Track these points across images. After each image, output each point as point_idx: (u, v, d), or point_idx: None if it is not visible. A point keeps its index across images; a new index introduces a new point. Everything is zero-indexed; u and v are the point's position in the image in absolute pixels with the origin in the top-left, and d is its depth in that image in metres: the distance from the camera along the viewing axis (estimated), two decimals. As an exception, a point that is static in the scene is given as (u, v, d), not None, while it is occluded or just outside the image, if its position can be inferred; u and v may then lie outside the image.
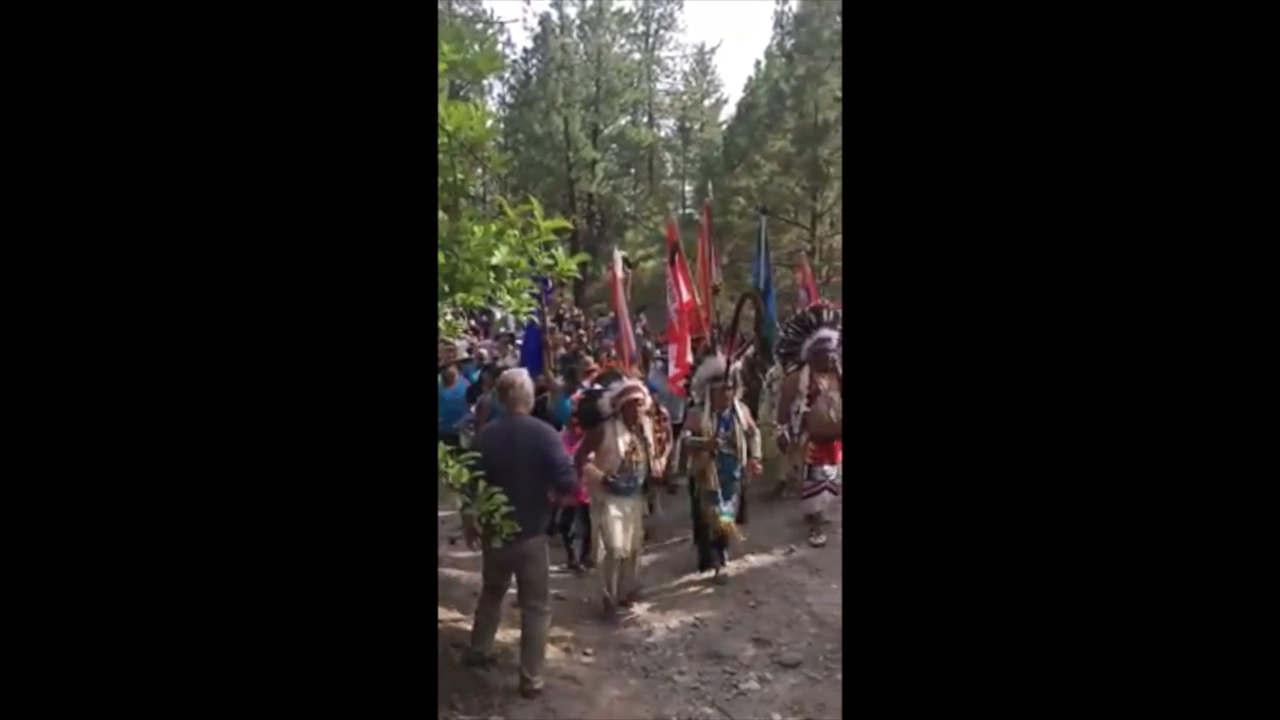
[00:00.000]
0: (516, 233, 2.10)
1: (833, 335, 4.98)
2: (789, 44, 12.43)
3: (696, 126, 20.10)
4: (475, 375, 6.46)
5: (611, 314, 5.80)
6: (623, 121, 19.72)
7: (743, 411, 4.72)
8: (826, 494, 4.98)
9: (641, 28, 20.12)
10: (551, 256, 2.10)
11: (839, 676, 3.50)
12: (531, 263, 2.07)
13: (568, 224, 2.29)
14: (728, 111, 18.57)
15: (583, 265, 5.44)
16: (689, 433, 4.65)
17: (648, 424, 4.34)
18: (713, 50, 20.74)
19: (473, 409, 5.77)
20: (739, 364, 5.05)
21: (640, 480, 4.23)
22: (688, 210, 18.85)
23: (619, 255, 6.21)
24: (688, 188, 19.52)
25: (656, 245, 18.55)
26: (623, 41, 19.93)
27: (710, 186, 10.10)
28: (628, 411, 4.19)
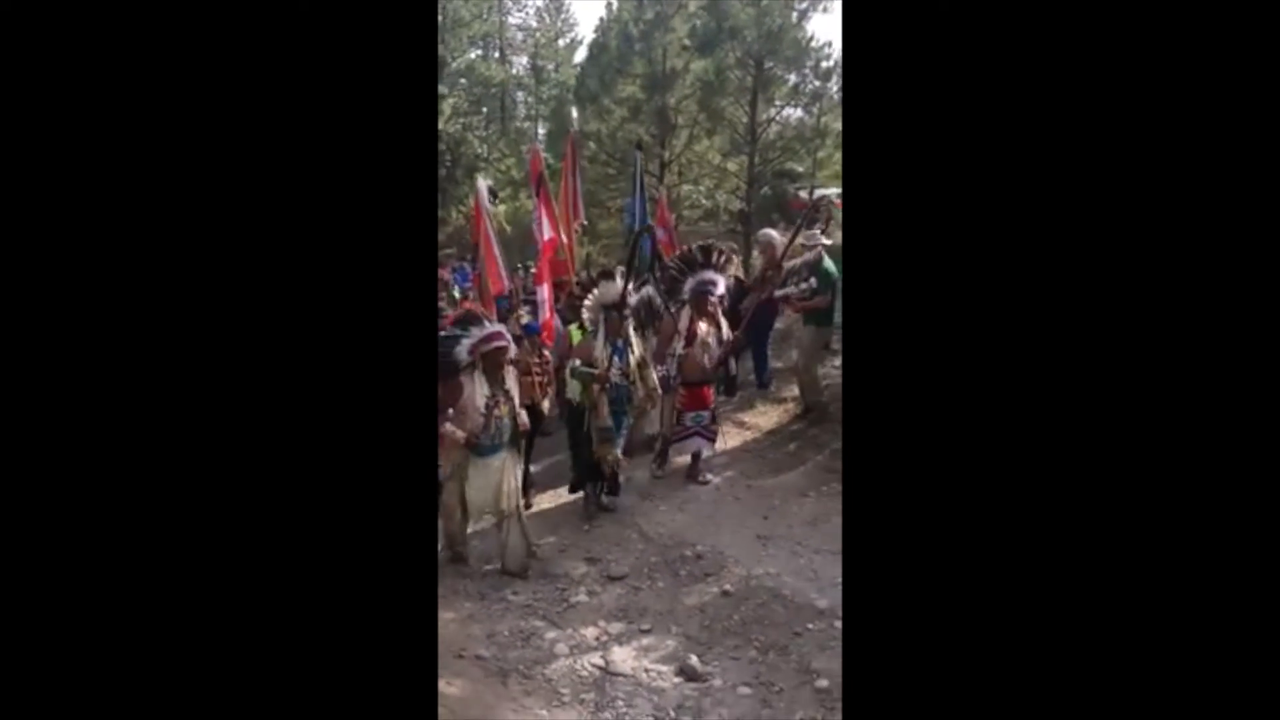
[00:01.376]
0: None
1: (718, 279, 4.77)
2: (639, -13, 12.44)
3: (550, 66, 19.57)
4: None
5: (469, 255, 5.60)
6: (471, 55, 18.80)
7: (636, 341, 4.54)
8: (698, 439, 4.88)
9: (491, -45, 19.08)
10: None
11: (661, 584, 3.85)
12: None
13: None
14: (583, 53, 18.25)
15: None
16: (578, 361, 4.42)
17: (510, 375, 3.98)
18: (567, -14, 20.13)
19: None
20: (639, 294, 4.75)
21: (506, 436, 3.87)
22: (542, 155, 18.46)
23: (483, 184, 5.84)
24: (540, 130, 19.08)
25: (508, 189, 18.08)
26: (472, -32, 18.83)
27: (575, 116, 9.99)
28: (488, 361, 3.78)
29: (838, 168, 9.89)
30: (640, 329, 4.73)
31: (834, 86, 12.04)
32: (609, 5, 14.47)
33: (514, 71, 20.07)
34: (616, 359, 4.41)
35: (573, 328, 5.08)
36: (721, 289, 4.81)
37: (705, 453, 5.00)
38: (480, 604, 3.67)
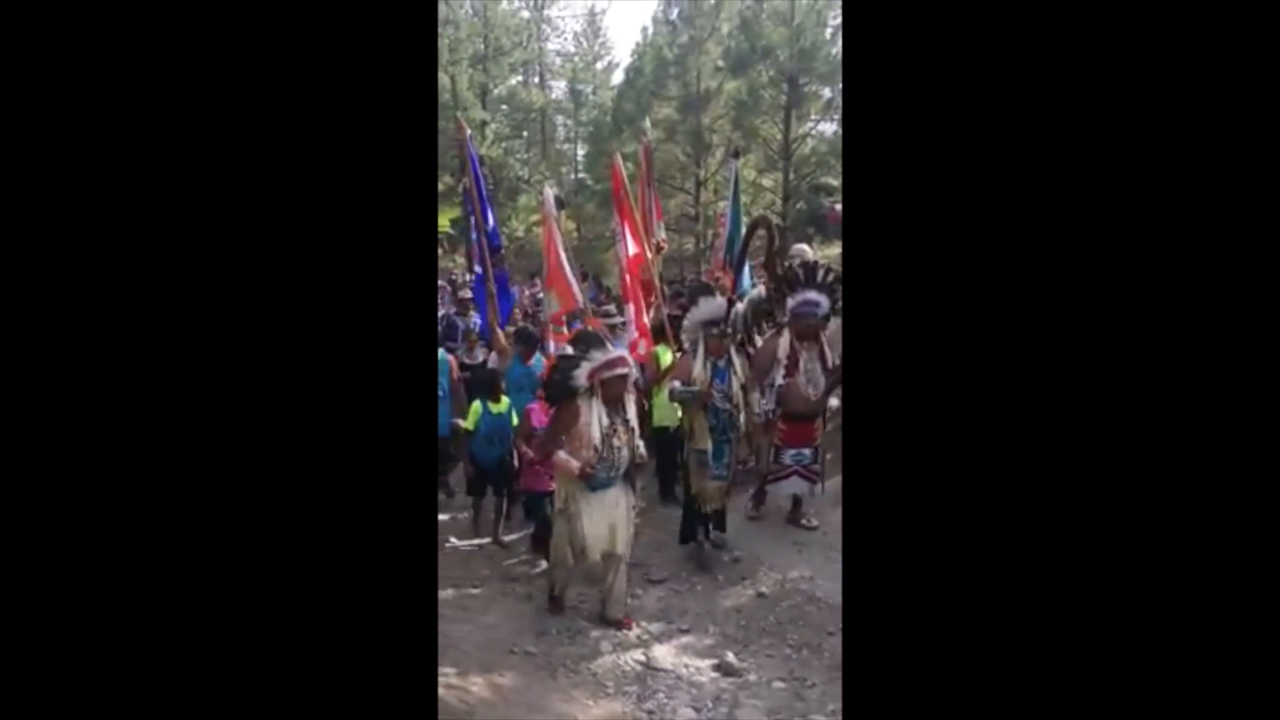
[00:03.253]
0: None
1: (822, 300, 4.17)
2: (673, 12, 12.78)
3: (589, 90, 20.08)
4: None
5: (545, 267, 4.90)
6: (513, 81, 19.39)
7: (740, 361, 4.16)
8: (798, 479, 4.41)
9: (530, -15, 19.74)
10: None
11: (699, 588, 4.03)
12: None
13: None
14: (619, 76, 18.72)
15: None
16: (678, 383, 4.07)
17: (630, 402, 3.61)
18: (603, 11, 20.72)
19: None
20: (742, 305, 4.39)
21: (623, 469, 3.53)
22: (579, 175, 18.92)
23: (550, 192, 5.37)
24: (580, 152, 19.56)
25: (549, 209, 18.48)
26: (511, -2, 19.48)
27: (649, 125, 9.48)
28: (609, 390, 3.44)
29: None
30: (748, 337, 4.37)
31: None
32: (644, 30, 14.89)
33: (553, 96, 20.63)
34: (718, 380, 4.05)
35: (660, 349, 4.82)
36: (825, 309, 4.19)
37: (807, 495, 4.52)
38: (529, 605, 3.89)
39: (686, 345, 4.29)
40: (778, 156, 11.91)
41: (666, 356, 4.72)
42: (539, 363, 4.87)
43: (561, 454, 3.42)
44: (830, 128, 12.87)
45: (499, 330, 5.23)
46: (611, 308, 5.72)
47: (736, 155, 6.78)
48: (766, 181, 12.61)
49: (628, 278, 5.22)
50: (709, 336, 4.06)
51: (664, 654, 3.41)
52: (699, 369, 4.06)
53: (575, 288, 5.10)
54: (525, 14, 19.58)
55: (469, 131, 5.63)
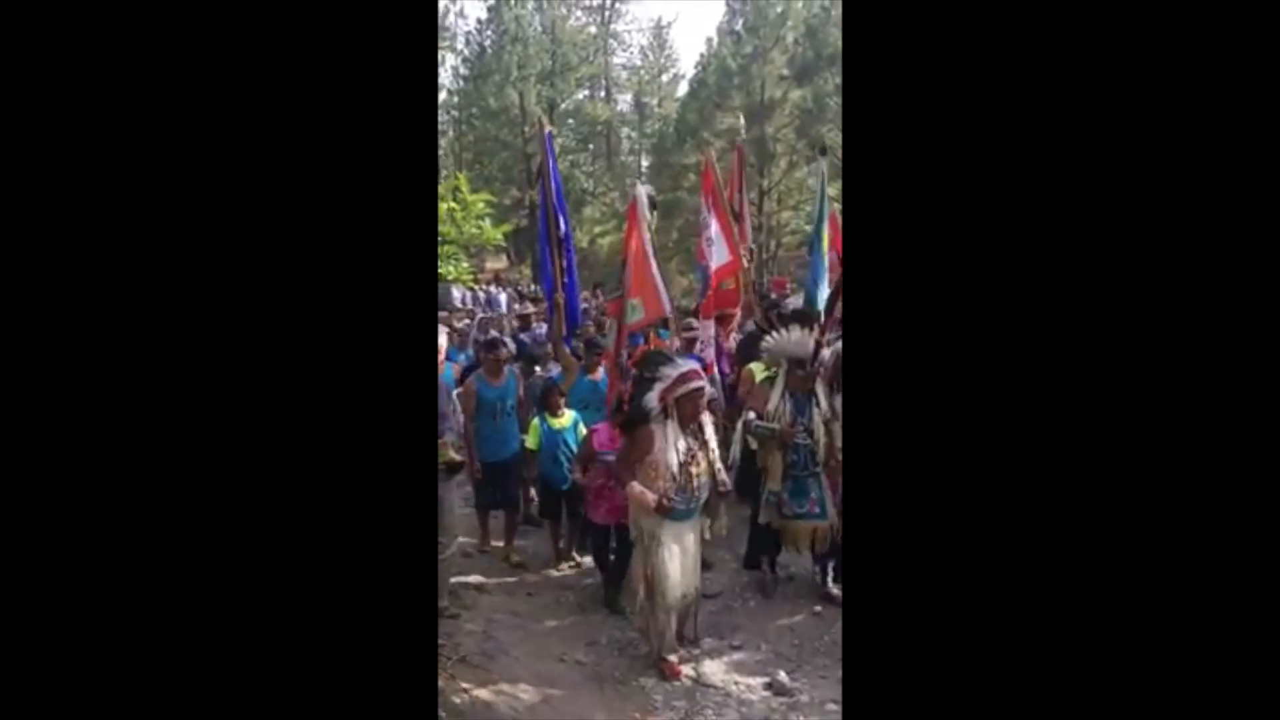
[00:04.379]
0: (452, 204, 2.39)
1: None
2: (738, 23, 12.75)
3: (654, 102, 20.27)
4: (460, 357, 5.71)
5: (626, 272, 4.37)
6: (579, 96, 19.75)
7: (823, 392, 3.73)
8: None
9: (597, 0, 20.10)
10: (479, 227, 2.39)
11: (752, 604, 3.97)
12: (460, 232, 2.37)
13: (491, 195, 2.60)
14: (685, 87, 18.81)
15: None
16: (753, 415, 3.71)
17: (708, 422, 3.28)
18: (669, 24, 20.87)
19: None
20: (828, 355, 3.75)
21: (704, 499, 3.23)
22: (644, 186, 19.01)
23: (643, 190, 4.68)
24: (644, 163, 19.73)
25: (613, 221, 18.72)
26: (578, 14, 19.92)
27: (743, 122, 9.16)
28: (683, 408, 3.13)
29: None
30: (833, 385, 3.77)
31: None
32: (709, 41, 14.90)
33: (618, 109, 20.89)
34: (800, 417, 3.68)
35: (755, 366, 4.32)
36: None
37: None
38: (581, 615, 3.91)
39: (768, 369, 4.00)
40: (843, 165, 11.70)
41: (760, 373, 4.23)
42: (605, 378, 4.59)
43: (636, 485, 3.10)
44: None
45: (563, 344, 4.90)
46: (693, 320, 5.08)
47: (824, 153, 6.08)
48: (831, 190, 12.41)
49: (714, 287, 4.67)
50: (792, 374, 3.75)
51: (714, 670, 3.36)
52: (775, 401, 3.73)
53: (664, 295, 4.48)
54: (592, 29, 19.95)
55: (550, 128, 5.29)
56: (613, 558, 3.86)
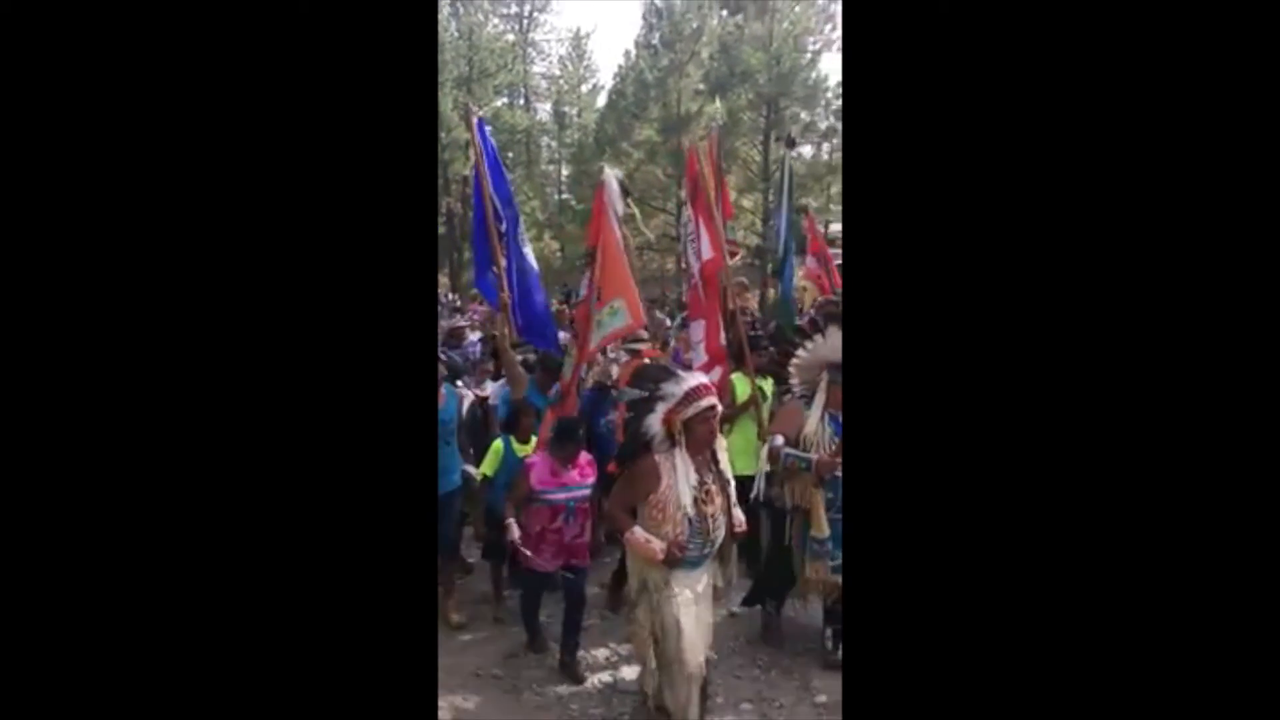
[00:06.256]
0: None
1: None
2: (654, 37, 12.98)
3: (574, 111, 20.31)
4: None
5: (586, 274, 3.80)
6: (498, 103, 19.58)
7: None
8: None
9: (515, 8, 20.01)
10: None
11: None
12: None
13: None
14: (604, 98, 18.95)
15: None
16: (780, 439, 3.05)
17: (721, 449, 2.71)
18: (588, 35, 20.98)
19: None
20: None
21: (719, 543, 2.63)
22: (564, 195, 19.06)
23: (611, 175, 4.09)
24: (564, 172, 19.73)
25: (533, 230, 18.61)
26: (495, 21, 19.76)
27: (719, 106, 8.73)
28: (693, 431, 2.54)
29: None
30: None
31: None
32: (627, 53, 15.08)
33: (538, 118, 20.82)
34: (840, 439, 3.01)
35: (736, 377, 3.88)
36: None
37: None
38: (497, 627, 3.85)
39: (797, 388, 3.26)
40: (757, 178, 12.06)
41: (743, 387, 3.83)
42: (535, 394, 3.98)
43: (639, 532, 2.53)
44: (808, 150, 13.07)
45: (509, 350, 4.05)
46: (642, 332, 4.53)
47: (791, 145, 5.55)
48: (746, 202, 12.77)
49: (700, 288, 4.09)
50: (834, 383, 3.02)
51: (632, 675, 3.38)
52: (813, 424, 3.04)
53: (639, 300, 3.86)
54: (510, 37, 19.83)
55: (479, 112, 4.64)
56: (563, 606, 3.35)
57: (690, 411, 2.53)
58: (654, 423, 2.56)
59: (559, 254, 18.34)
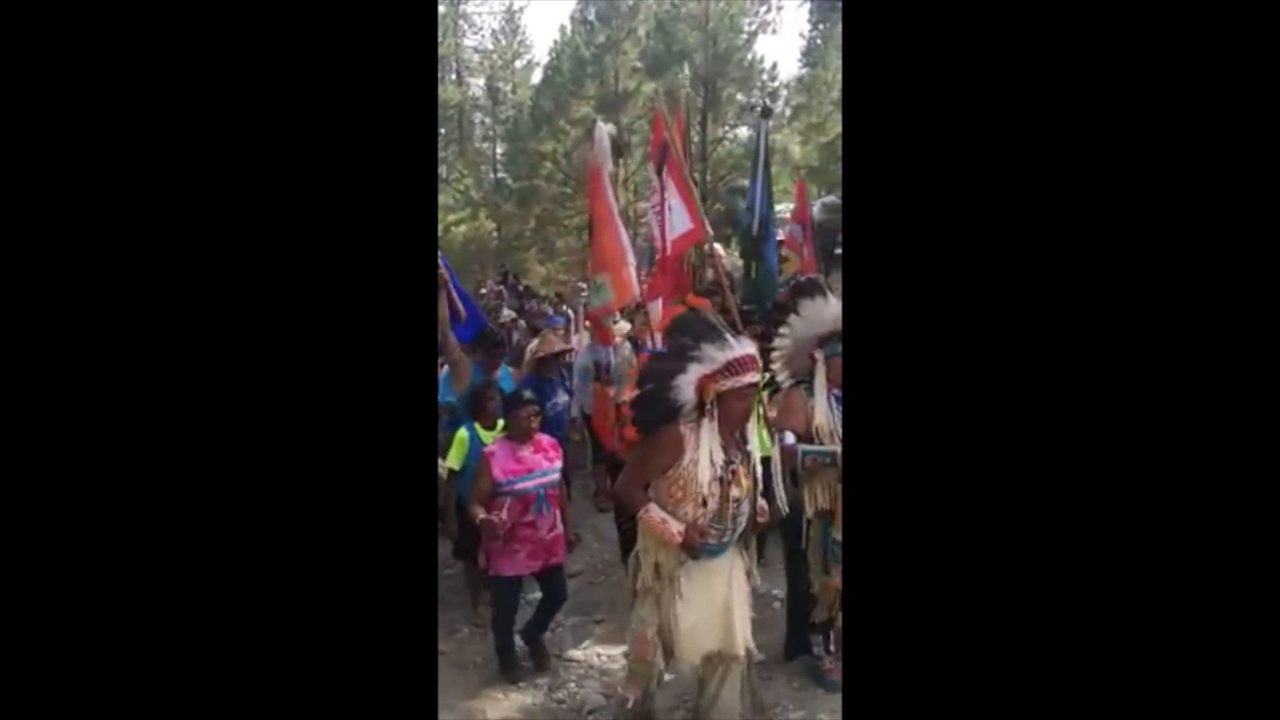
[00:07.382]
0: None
1: None
2: (590, 12, 12.81)
3: (508, 88, 19.88)
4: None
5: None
6: (429, 77, 18.96)
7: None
8: None
9: (445, -20, 19.35)
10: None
11: (614, 580, 4.06)
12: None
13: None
14: (539, 74, 18.64)
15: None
16: (791, 437, 2.59)
17: (753, 428, 2.43)
18: (521, 9, 20.52)
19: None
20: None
21: (740, 530, 2.36)
22: (499, 174, 18.69)
23: (603, 129, 3.76)
24: (499, 149, 19.33)
25: (467, 210, 18.22)
26: (426, -8, 19.04)
27: (687, 74, 8.26)
28: (729, 407, 2.24)
29: (788, 184, 10.25)
30: None
31: (781, 105, 12.54)
32: (562, 29, 14.85)
33: (470, 93, 20.31)
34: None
35: None
36: None
37: None
38: (440, 605, 3.82)
39: (784, 379, 2.82)
40: (695, 158, 12.12)
41: None
42: (507, 377, 3.82)
43: (655, 510, 2.26)
44: (746, 131, 13.20)
45: (450, 333, 3.63)
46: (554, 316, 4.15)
47: (766, 115, 5.22)
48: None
49: (665, 259, 3.69)
50: (830, 357, 2.65)
51: (576, 653, 3.43)
52: (823, 412, 2.64)
53: (633, 271, 3.53)
54: (441, 9, 19.19)
55: None
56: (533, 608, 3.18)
57: (729, 384, 2.21)
58: (686, 386, 2.22)
59: (494, 234, 18.03)
